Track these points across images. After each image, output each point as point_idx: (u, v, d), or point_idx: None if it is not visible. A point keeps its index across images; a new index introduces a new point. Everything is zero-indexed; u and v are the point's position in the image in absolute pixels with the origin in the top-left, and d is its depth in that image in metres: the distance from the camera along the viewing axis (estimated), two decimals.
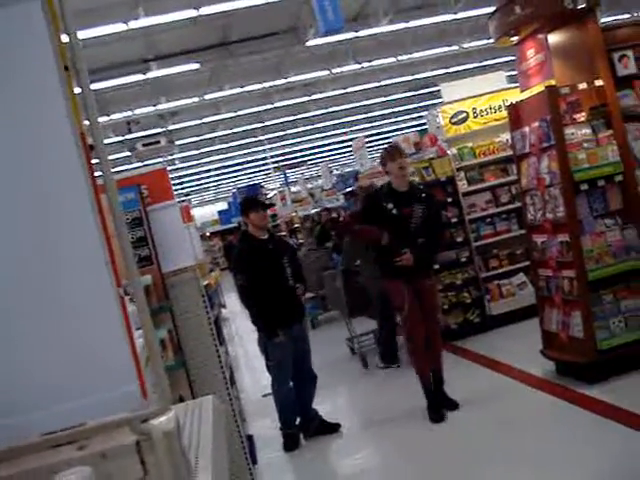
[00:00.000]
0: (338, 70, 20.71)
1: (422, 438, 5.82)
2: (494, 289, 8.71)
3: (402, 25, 17.73)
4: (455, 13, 17.61)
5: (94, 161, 1.31)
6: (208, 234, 36.24)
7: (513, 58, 6.93)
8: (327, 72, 20.80)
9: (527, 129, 6.39)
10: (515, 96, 7.45)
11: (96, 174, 1.31)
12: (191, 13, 12.99)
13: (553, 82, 6.05)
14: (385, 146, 6.61)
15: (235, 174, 41.43)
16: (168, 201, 4.60)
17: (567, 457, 4.68)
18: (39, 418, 1.24)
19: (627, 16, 20.89)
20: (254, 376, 10.26)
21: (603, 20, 18.02)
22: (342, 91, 24.35)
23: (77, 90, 1.31)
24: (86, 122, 1.31)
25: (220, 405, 1.88)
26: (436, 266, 8.17)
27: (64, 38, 1.27)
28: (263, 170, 39.73)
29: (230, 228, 33.92)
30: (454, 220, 8.70)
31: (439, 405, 6.15)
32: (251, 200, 6.55)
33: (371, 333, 9.16)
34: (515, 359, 7.05)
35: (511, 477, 4.67)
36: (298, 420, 6.44)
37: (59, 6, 1.26)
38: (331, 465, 6.08)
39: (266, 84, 20.82)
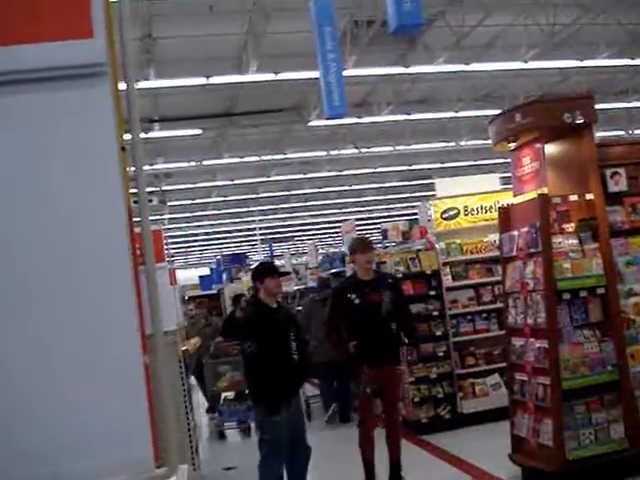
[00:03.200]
0: (336, 152, 21.10)
1: None
2: (467, 386, 8.68)
3: (403, 117, 18.19)
4: (456, 111, 18.11)
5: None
6: (187, 298, 35.97)
7: (508, 161, 7.11)
8: (325, 153, 21.19)
9: (516, 233, 6.51)
10: (507, 199, 7.62)
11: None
12: (201, 80, 13.29)
13: (546, 190, 6.20)
14: (357, 236, 6.91)
15: (221, 241, 41.54)
16: (159, 263, 4.63)
17: None
18: (52, 474, 1.25)
19: (622, 133, 21.53)
20: (214, 448, 10.08)
21: (599, 134, 18.61)
22: (337, 173, 24.74)
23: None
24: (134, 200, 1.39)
25: (193, 474, 1.89)
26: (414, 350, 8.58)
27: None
28: (249, 240, 39.87)
29: (209, 294, 33.68)
30: (435, 314, 8.74)
31: None
32: (268, 265, 6.51)
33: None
34: (482, 460, 6.98)
35: None
36: None
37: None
38: None
39: (264, 157, 21.15)
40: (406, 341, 6.60)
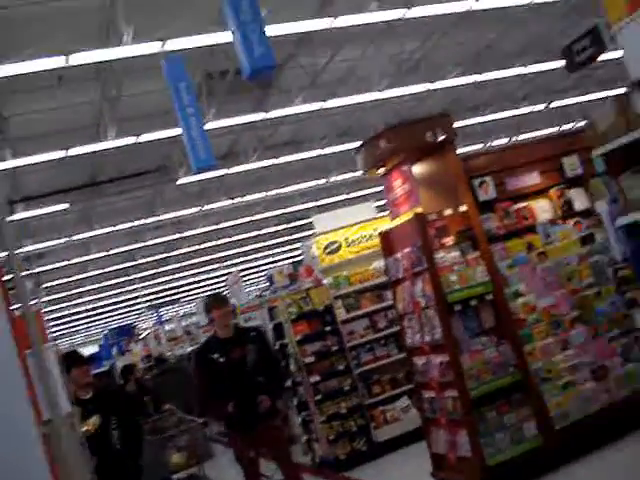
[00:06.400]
0: (209, 207, 20.95)
1: None
2: (378, 415, 8.66)
3: (270, 161, 18.32)
4: (322, 148, 18.40)
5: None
6: None
7: (380, 189, 7.26)
8: (198, 209, 20.99)
9: (399, 255, 6.62)
10: (385, 224, 7.76)
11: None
12: (60, 154, 12.90)
13: (420, 209, 6.35)
14: (210, 294, 6.68)
15: (106, 315, 40.24)
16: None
17: None
18: None
19: (480, 146, 22.48)
20: None
21: (460, 150, 19.34)
22: (214, 227, 24.56)
23: None
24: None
25: None
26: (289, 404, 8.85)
27: None
28: (135, 309, 38.86)
29: (100, 372, 32.45)
30: (334, 348, 8.72)
31: None
32: (71, 356, 5.86)
33: None
34: None
35: None
36: None
37: None
38: None
39: (137, 222, 20.73)
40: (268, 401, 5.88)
